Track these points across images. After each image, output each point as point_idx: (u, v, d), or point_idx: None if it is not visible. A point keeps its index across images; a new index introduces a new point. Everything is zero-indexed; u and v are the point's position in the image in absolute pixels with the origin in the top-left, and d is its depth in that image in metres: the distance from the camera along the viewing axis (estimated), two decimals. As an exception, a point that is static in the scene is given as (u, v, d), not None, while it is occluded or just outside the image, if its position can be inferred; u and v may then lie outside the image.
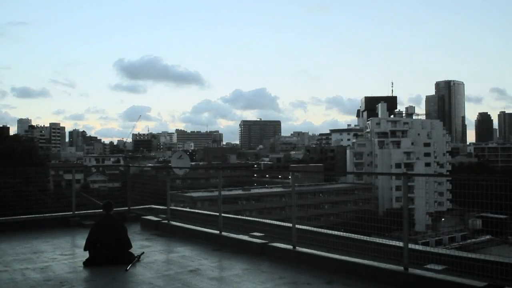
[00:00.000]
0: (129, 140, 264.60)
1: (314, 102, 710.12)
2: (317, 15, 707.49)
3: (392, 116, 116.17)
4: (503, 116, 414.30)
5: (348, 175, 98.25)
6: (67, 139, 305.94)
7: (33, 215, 12.64)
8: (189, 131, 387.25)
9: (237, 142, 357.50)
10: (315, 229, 8.84)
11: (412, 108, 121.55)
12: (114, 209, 9.23)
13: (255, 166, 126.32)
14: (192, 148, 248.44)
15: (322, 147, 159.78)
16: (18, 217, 12.49)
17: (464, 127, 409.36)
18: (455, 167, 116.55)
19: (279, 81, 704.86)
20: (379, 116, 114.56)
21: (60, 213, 13.22)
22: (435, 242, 63.31)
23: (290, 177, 9.86)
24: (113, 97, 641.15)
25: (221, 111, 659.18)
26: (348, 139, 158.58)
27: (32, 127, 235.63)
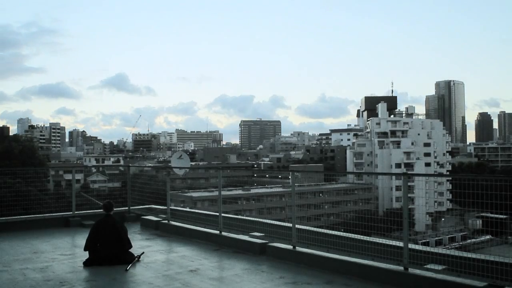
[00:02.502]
0: (129, 140, 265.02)
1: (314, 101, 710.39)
2: (316, 14, 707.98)
3: (392, 116, 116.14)
4: (503, 116, 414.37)
5: (348, 175, 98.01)
6: (67, 139, 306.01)
7: (33, 215, 12.64)
8: (189, 131, 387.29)
9: (237, 142, 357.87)
10: (315, 229, 8.83)
11: (412, 108, 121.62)
12: (114, 209, 9.24)
13: (255, 166, 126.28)
14: (192, 148, 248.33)
15: (322, 147, 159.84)
16: (18, 217, 12.49)
17: (464, 127, 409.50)
18: (455, 167, 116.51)
19: (282, 82, 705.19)
20: (379, 116, 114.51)
21: (60, 213, 13.22)
22: (435, 242, 63.40)
23: (290, 177, 9.85)
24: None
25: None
26: (348, 139, 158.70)
27: (32, 127, 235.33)
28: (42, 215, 12.80)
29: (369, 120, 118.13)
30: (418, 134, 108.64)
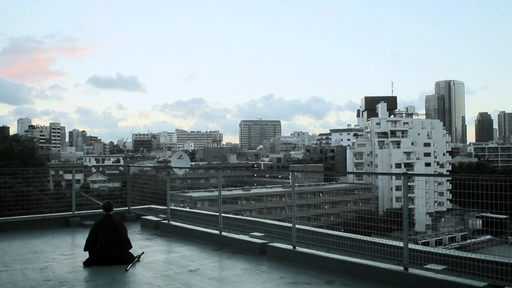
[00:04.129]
0: (129, 140, 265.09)
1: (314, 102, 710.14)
2: (318, 14, 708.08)
3: (392, 116, 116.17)
4: (503, 116, 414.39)
5: (348, 175, 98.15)
6: (67, 139, 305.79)
7: (33, 215, 12.64)
8: (189, 131, 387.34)
9: (237, 142, 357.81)
10: (315, 229, 8.82)
11: (412, 108, 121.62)
12: (114, 209, 9.24)
13: (255, 166, 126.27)
14: (192, 148, 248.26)
15: (322, 147, 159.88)
16: (18, 217, 12.49)
17: (464, 127, 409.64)
18: (455, 167, 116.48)
19: (283, 81, 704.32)
20: (379, 116, 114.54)
21: (60, 213, 13.24)
22: (435, 242, 63.42)
23: (290, 177, 9.85)
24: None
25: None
26: (348, 139, 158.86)
27: (32, 127, 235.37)
28: (42, 215, 12.80)
29: (369, 120, 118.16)
30: (418, 134, 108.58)
